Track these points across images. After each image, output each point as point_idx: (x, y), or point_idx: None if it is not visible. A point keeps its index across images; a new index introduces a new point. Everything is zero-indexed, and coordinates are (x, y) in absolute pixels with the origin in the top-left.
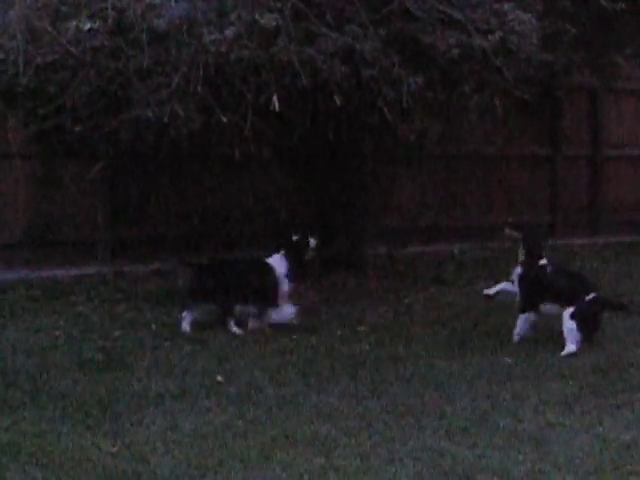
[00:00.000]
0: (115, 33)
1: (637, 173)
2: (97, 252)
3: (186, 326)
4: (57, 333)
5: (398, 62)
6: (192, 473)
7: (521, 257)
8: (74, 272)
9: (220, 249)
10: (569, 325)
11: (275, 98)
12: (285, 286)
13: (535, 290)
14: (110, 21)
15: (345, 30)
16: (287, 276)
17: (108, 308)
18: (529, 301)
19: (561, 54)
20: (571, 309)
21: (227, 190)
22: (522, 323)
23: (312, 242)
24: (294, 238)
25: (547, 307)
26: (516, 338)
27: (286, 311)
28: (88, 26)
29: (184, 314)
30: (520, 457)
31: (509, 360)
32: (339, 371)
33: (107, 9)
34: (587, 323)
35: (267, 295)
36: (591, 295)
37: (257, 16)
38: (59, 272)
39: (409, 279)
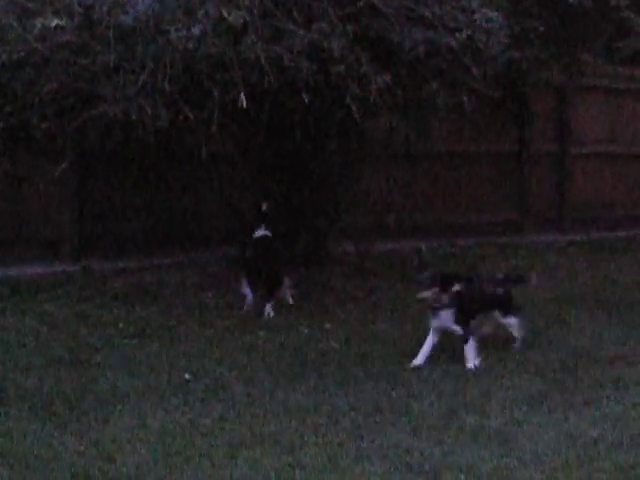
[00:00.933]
0: (82, 30)
1: (605, 170)
2: (63, 250)
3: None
4: (24, 331)
5: (365, 59)
6: (159, 471)
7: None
8: (40, 270)
9: (187, 246)
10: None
11: (242, 95)
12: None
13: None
14: (76, 18)
15: (313, 27)
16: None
17: (75, 306)
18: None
19: (528, 51)
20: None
21: (194, 187)
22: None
23: (264, 207)
24: (264, 208)
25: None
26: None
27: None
28: (54, 23)
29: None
30: (487, 454)
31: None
32: (306, 368)
33: (73, 5)
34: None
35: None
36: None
37: (224, 13)
38: (26, 270)
39: (376, 276)
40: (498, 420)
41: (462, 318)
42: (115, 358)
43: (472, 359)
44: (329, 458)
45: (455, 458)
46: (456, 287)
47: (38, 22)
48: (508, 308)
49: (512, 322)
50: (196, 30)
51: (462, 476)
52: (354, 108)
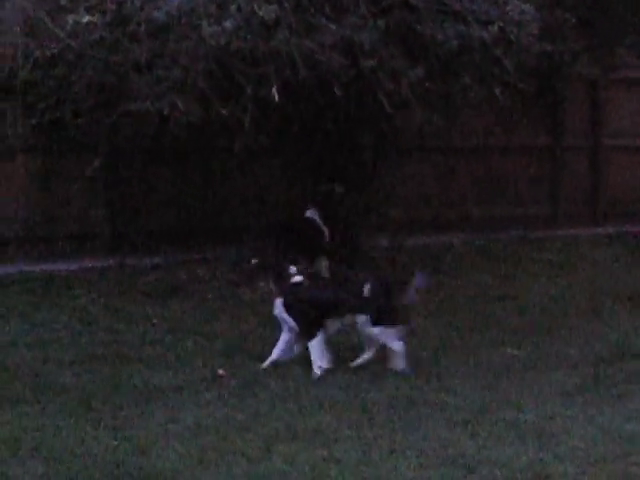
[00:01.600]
0: (114, 26)
1: (638, 163)
2: (97, 246)
3: None
4: (58, 327)
5: (397, 53)
6: (193, 466)
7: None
8: (75, 266)
9: (219, 242)
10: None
11: (275, 90)
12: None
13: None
14: (109, 14)
15: (344, 22)
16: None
17: (109, 302)
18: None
19: (561, 44)
20: None
21: (227, 182)
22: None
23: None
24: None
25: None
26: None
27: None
28: (87, 19)
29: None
30: (521, 448)
31: (511, 351)
32: (340, 363)
33: (106, 2)
34: None
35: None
36: None
37: (257, 8)
38: (60, 266)
39: (409, 270)
40: (533, 414)
41: (297, 311)
42: (149, 354)
43: (317, 362)
44: (364, 452)
45: (490, 452)
46: (296, 279)
47: (70, 19)
48: (377, 316)
49: (379, 334)
50: (228, 25)
51: (497, 470)
52: (385, 102)
